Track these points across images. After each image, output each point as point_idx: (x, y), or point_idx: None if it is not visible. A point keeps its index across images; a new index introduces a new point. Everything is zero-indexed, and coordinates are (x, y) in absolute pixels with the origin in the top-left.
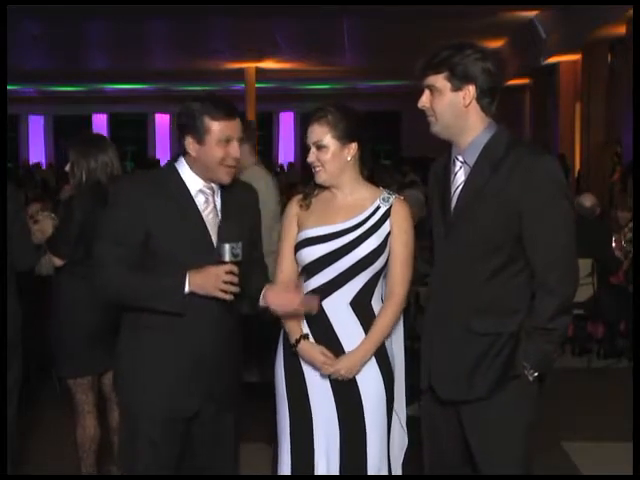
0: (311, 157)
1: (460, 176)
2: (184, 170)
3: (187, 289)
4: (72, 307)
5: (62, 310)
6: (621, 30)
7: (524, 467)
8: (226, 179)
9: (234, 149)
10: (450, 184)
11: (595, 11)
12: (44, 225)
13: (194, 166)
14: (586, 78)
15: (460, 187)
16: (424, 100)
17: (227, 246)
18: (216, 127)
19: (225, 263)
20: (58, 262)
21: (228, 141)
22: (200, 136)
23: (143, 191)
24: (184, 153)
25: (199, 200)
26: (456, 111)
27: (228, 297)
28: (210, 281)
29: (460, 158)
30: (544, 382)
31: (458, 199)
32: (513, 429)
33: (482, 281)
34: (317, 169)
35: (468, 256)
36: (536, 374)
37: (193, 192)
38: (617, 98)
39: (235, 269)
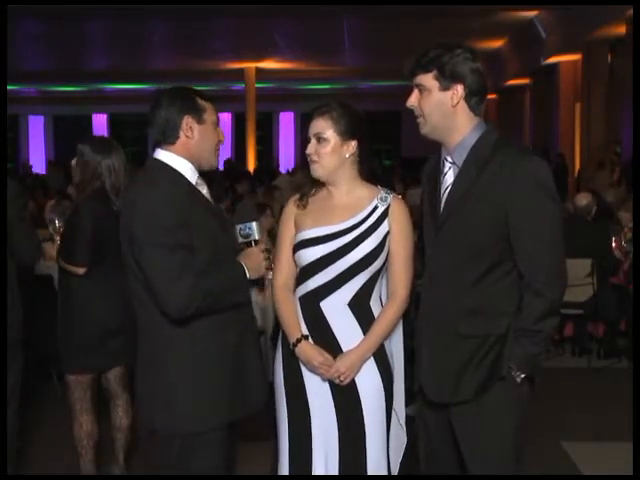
0: (310, 148)
1: (449, 177)
2: (177, 163)
3: (248, 275)
4: (84, 307)
5: (75, 309)
6: (621, 30)
7: (514, 468)
8: (216, 164)
9: (222, 133)
10: (440, 185)
11: (595, 11)
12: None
13: (188, 152)
14: (586, 78)
15: (449, 188)
16: (412, 99)
17: (236, 227)
18: (209, 108)
19: (241, 244)
20: (80, 271)
21: (217, 125)
22: (199, 115)
23: (179, 198)
24: (169, 143)
25: (204, 192)
26: (444, 111)
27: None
28: (258, 261)
29: (449, 159)
30: (534, 383)
31: (446, 200)
32: (501, 430)
33: (470, 282)
34: (314, 162)
35: (456, 257)
36: (523, 376)
37: (195, 185)
38: (617, 98)
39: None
